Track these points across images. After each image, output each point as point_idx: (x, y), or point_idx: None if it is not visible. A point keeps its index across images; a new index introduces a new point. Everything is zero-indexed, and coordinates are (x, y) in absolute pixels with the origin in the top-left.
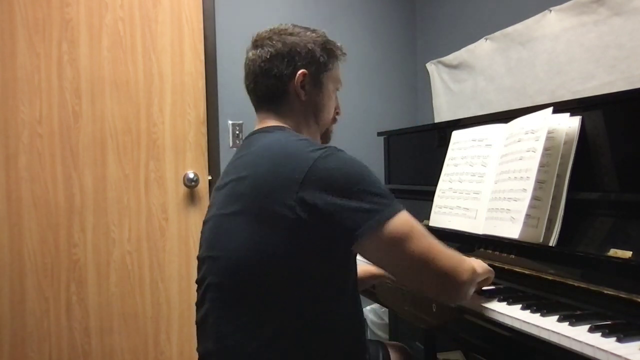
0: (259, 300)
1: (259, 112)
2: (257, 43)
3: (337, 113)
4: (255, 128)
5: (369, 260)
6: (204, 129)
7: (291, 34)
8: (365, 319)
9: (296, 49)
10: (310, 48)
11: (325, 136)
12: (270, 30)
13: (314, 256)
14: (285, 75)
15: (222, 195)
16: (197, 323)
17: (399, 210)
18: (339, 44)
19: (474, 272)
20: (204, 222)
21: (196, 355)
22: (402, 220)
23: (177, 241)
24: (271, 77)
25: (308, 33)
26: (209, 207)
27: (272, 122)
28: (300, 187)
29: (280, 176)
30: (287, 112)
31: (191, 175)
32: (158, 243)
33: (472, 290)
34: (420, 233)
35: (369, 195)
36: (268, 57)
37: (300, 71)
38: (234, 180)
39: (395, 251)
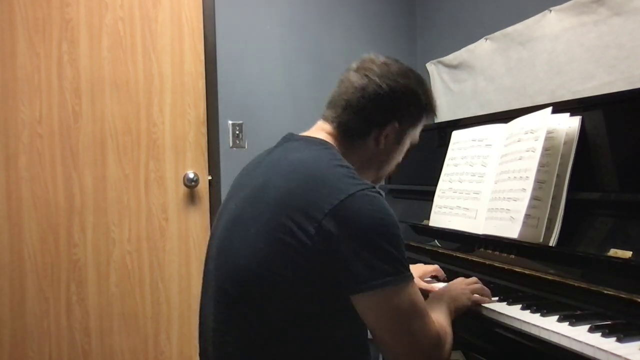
0: (259, 316)
1: (325, 122)
2: (365, 72)
3: (398, 166)
4: (305, 133)
5: (360, 314)
6: (204, 129)
7: (403, 84)
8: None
9: (400, 100)
10: (414, 104)
11: (376, 182)
12: (384, 64)
13: (318, 288)
14: (377, 122)
15: (244, 194)
16: (199, 323)
17: (408, 282)
18: (436, 101)
19: (450, 340)
20: (219, 213)
21: (196, 355)
22: (407, 293)
23: (177, 241)
24: (363, 117)
25: (418, 85)
26: (228, 197)
27: (325, 137)
28: (326, 217)
29: (308, 199)
30: (354, 146)
31: (191, 175)
32: (158, 243)
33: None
34: (420, 312)
35: (387, 253)
36: (372, 97)
37: (392, 125)
38: (260, 184)
39: (391, 321)
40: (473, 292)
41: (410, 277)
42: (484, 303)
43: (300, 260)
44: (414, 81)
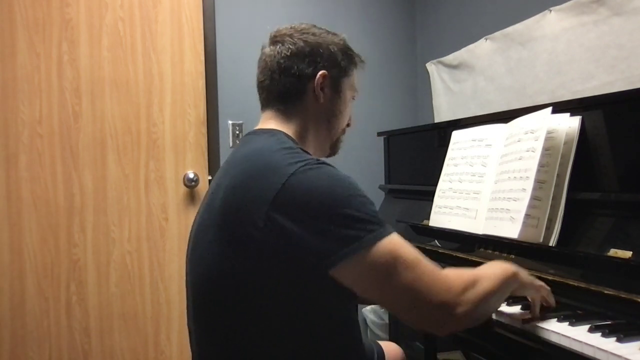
0: (231, 323)
1: (266, 110)
2: (276, 39)
3: (348, 124)
4: (256, 127)
5: (353, 290)
6: (204, 129)
7: (313, 34)
8: (363, 349)
9: (318, 49)
10: (332, 50)
11: (335, 146)
12: (291, 27)
13: (285, 282)
14: (306, 75)
15: (205, 200)
16: (188, 331)
17: (383, 237)
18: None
19: (474, 300)
20: (192, 226)
21: None
22: (386, 249)
23: (177, 241)
24: (290, 75)
25: (330, 35)
26: (200, 205)
27: (273, 124)
28: (271, 206)
29: (251, 192)
30: (297, 114)
31: (191, 175)
32: (158, 243)
33: (476, 313)
34: (406, 263)
35: (347, 219)
36: (289, 54)
37: (321, 72)
38: (214, 188)
39: (378, 282)
40: (544, 287)
41: (383, 231)
42: (548, 304)
43: (258, 258)
44: (323, 31)
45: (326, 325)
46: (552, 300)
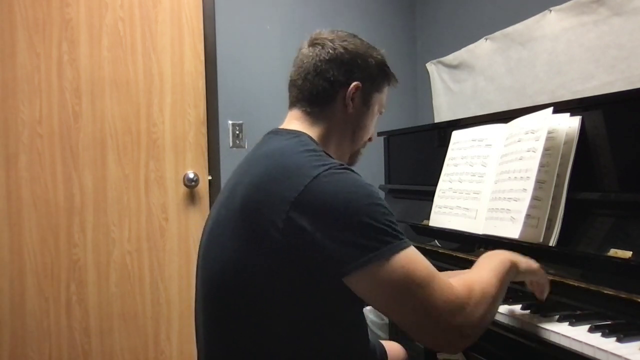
0: (242, 321)
1: (293, 109)
2: (316, 42)
3: (370, 139)
4: (280, 126)
5: (364, 299)
6: (204, 129)
7: (354, 44)
8: (370, 350)
9: (357, 60)
10: (370, 63)
11: (354, 157)
12: (333, 32)
13: (298, 283)
14: (339, 82)
15: (223, 196)
16: (195, 332)
17: (400, 250)
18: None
19: (484, 314)
20: (207, 218)
21: (196, 356)
22: (401, 263)
23: (177, 241)
24: (324, 79)
25: (370, 48)
26: (216, 200)
27: (298, 125)
28: (292, 207)
29: (272, 191)
30: (324, 119)
31: (191, 175)
32: (158, 243)
33: (485, 325)
34: (419, 279)
35: (367, 228)
36: (327, 58)
37: (355, 83)
38: (233, 185)
39: (390, 297)
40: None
41: (400, 244)
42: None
43: (275, 258)
44: (365, 43)
45: (335, 327)
46: (546, 291)
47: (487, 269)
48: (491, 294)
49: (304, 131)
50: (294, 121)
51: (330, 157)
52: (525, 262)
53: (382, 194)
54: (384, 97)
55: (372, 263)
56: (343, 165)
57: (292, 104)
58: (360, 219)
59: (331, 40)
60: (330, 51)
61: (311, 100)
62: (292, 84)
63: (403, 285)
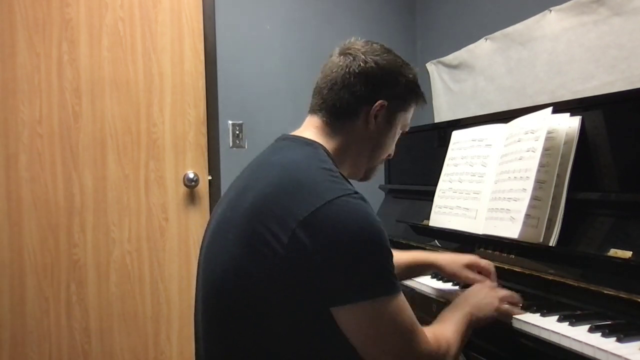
0: (242, 323)
1: (313, 116)
2: (348, 51)
3: (389, 156)
4: (295, 132)
5: (343, 331)
6: (204, 129)
7: (387, 60)
8: None
9: (387, 77)
10: (400, 82)
11: (369, 172)
12: (367, 43)
13: (299, 293)
14: (364, 98)
15: (229, 196)
16: (194, 331)
17: (392, 295)
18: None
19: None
20: (210, 218)
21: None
22: (389, 308)
23: (177, 241)
24: (350, 92)
25: (402, 66)
26: (220, 201)
27: (314, 134)
28: (299, 225)
29: (283, 205)
30: (343, 132)
31: (191, 175)
32: (158, 243)
33: None
34: (401, 329)
35: (369, 267)
36: (357, 71)
37: (380, 101)
38: (242, 188)
39: (371, 338)
40: (502, 299)
41: (392, 290)
42: (514, 314)
43: (275, 270)
44: (399, 60)
45: (334, 331)
46: (517, 298)
47: (452, 318)
48: (455, 348)
49: (321, 142)
50: (312, 129)
51: (345, 178)
52: (481, 307)
53: (381, 193)
54: (409, 116)
55: (362, 302)
56: (357, 193)
57: (313, 111)
58: (363, 256)
59: (363, 53)
60: (362, 64)
61: (333, 112)
62: (317, 92)
63: (386, 331)
